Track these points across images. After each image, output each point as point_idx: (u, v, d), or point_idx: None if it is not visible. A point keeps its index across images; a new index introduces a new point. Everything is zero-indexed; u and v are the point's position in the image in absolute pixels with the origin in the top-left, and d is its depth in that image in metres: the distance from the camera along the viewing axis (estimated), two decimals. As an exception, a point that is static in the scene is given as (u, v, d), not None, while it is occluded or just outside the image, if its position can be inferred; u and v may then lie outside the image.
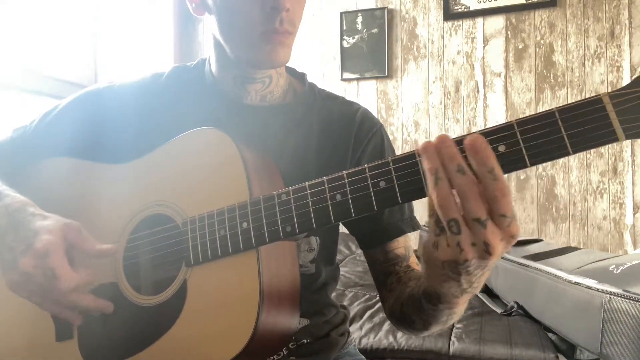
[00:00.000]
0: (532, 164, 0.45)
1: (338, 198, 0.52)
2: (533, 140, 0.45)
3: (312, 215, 0.54)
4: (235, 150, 0.60)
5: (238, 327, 0.55)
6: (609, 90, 2.14)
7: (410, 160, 0.49)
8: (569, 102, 2.22)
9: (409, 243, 0.80)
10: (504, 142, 0.45)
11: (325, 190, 0.53)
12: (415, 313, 0.62)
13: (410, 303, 0.63)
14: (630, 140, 0.43)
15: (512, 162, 0.45)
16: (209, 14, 0.74)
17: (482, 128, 0.49)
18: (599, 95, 0.44)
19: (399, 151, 2.55)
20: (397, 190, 0.50)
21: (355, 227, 0.79)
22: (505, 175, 0.44)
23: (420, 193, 0.49)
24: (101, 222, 0.69)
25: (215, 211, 0.59)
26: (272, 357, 0.74)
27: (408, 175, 0.49)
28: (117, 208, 0.68)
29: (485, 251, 0.41)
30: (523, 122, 0.45)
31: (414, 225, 0.80)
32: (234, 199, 0.59)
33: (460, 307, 0.55)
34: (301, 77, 0.85)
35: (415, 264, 0.77)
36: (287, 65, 0.82)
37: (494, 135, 0.46)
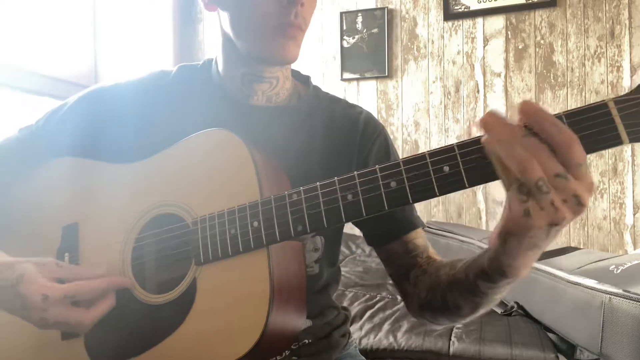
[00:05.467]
0: None
1: (349, 198, 0.53)
2: None
3: (324, 214, 0.55)
4: (246, 151, 0.61)
5: (248, 325, 0.55)
6: (609, 90, 2.13)
7: (421, 161, 0.51)
8: (569, 101, 2.20)
9: (425, 235, 0.80)
10: None
11: (336, 190, 0.54)
12: (466, 297, 0.60)
13: (456, 289, 0.62)
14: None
15: None
16: (221, 10, 0.75)
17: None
18: (604, 100, 0.45)
19: (399, 151, 2.55)
20: (408, 190, 0.51)
21: (369, 225, 0.79)
22: None
23: (431, 193, 0.51)
24: (110, 221, 0.69)
25: (226, 210, 0.60)
26: (275, 357, 0.74)
27: (419, 176, 0.51)
28: (124, 208, 0.68)
29: (578, 204, 0.42)
30: None
31: (422, 224, 0.81)
32: (245, 199, 0.59)
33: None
34: (306, 80, 0.86)
35: (436, 255, 0.77)
36: (291, 68, 0.83)
37: None
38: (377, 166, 0.52)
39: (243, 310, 0.56)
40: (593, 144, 0.45)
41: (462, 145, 0.49)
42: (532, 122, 0.43)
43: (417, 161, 0.51)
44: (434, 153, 0.50)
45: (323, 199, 0.55)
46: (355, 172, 0.53)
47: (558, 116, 0.45)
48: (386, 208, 0.52)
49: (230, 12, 0.72)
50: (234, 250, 0.59)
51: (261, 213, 0.58)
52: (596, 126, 0.45)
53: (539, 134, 0.42)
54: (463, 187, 0.49)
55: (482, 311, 0.62)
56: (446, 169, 0.49)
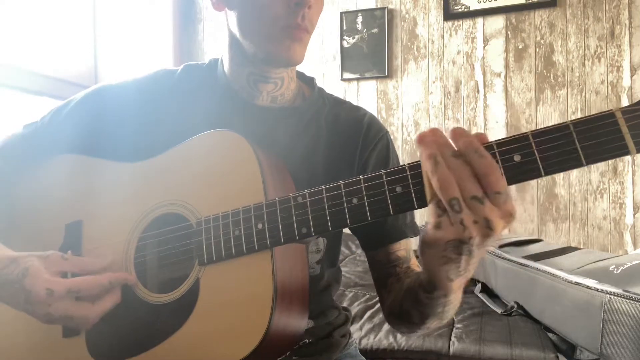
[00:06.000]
0: (546, 174, 0.47)
1: (354, 202, 0.53)
2: (548, 151, 0.46)
3: (328, 217, 0.55)
4: (251, 152, 0.61)
5: (251, 326, 0.55)
6: (609, 90, 2.12)
7: None
8: (569, 101, 2.20)
9: (410, 246, 0.81)
10: (519, 152, 0.47)
11: (341, 195, 0.54)
12: (413, 306, 0.63)
13: (407, 296, 0.65)
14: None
15: (527, 172, 0.47)
16: (228, 9, 0.75)
17: (492, 135, 0.50)
18: (612, 110, 0.45)
19: (399, 152, 2.55)
20: (414, 195, 0.51)
21: (359, 229, 0.80)
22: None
23: None
24: (114, 220, 0.69)
25: (230, 211, 0.60)
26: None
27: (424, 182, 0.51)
28: (128, 207, 0.68)
29: (487, 227, 0.44)
30: (538, 134, 0.47)
31: (415, 231, 0.81)
32: (249, 201, 0.59)
33: (454, 296, 0.57)
34: (310, 81, 0.87)
35: (416, 266, 0.78)
36: (296, 69, 0.83)
37: (510, 145, 0.47)
38: (382, 171, 0.53)
39: (246, 311, 0.56)
40: (600, 154, 0.45)
41: None
42: (458, 146, 0.45)
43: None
44: None
45: (328, 202, 0.55)
46: (361, 177, 0.54)
47: (565, 125, 0.46)
48: (391, 213, 0.52)
49: (238, 13, 0.72)
50: (238, 252, 0.59)
51: (266, 215, 0.58)
52: (603, 136, 0.45)
53: (465, 158, 0.45)
54: None
55: (433, 323, 0.64)
56: None
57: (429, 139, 0.46)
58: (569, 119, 0.46)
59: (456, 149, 0.46)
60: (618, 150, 0.44)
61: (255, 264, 0.58)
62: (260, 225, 0.58)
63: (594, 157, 0.45)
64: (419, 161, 0.52)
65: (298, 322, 0.62)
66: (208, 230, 0.61)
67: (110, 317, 0.63)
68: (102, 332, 0.64)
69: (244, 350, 0.54)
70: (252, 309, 0.56)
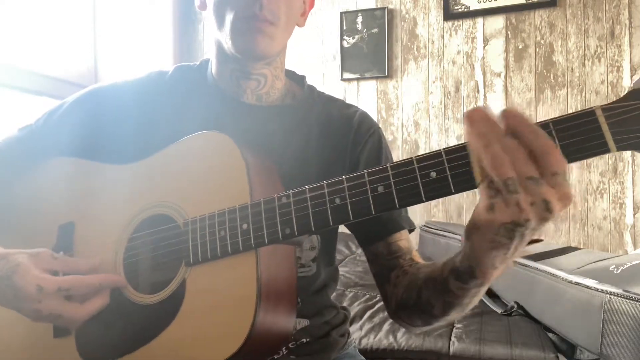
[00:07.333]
0: None
1: (337, 202, 0.54)
2: None
3: (311, 218, 0.55)
4: (238, 153, 0.61)
5: (235, 326, 0.55)
6: (609, 90, 2.12)
7: (408, 167, 0.51)
8: (569, 101, 2.19)
9: (409, 237, 0.80)
10: None
11: (324, 195, 0.54)
12: (436, 296, 0.61)
13: (430, 286, 0.63)
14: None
15: None
16: (208, 7, 0.76)
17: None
18: (592, 107, 0.45)
19: (399, 151, 2.55)
20: (395, 195, 0.51)
21: (356, 225, 0.79)
22: None
23: (418, 198, 0.51)
24: (103, 222, 0.69)
25: (216, 212, 0.60)
26: (272, 357, 0.74)
27: (406, 181, 0.51)
28: (119, 208, 0.69)
29: (546, 209, 0.42)
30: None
31: (411, 224, 0.80)
32: (235, 201, 0.59)
33: (486, 287, 0.55)
34: (300, 80, 0.86)
35: (418, 258, 0.77)
36: (287, 68, 0.83)
37: None
38: (365, 171, 0.53)
39: (230, 311, 0.57)
40: (580, 152, 0.45)
41: (449, 151, 0.49)
42: (513, 126, 0.43)
43: (404, 166, 0.51)
44: (421, 158, 0.50)
45: (311, 202, 0.55)
46: (344, 177, 0.54)
47: (545, 124, 0.46)
48: (373, 212, 0.52)
49: (212, 8, 0.74)
50: (223, 252, 0.59)
51: (250, 215, 0.58)
52: (583, 134, 0.45)
53: (519, 139, 0.43)
54: (449, 193, 0.49)
55: (454, 315, 0.62)
56: (433, 174, 0.49)
57: (477, 116, 0.44)
58: (550, 118, 0.46)
59: (506, 129, 0.44)
60: (598, 148, 0.44)
61: (240, 265, 0.58)
62: (245, 226, 0.58)
63: (574, 155, 0.45)
64: (400, 161, 0.52)
65: (285, 323, 0.61)
66: (194, 231, 0.61)
67: (99, 317, 0.63)
68: (91, 332, 0.64)
69: (226, 351, 0.54)
70: (237, 310, 0.56)
